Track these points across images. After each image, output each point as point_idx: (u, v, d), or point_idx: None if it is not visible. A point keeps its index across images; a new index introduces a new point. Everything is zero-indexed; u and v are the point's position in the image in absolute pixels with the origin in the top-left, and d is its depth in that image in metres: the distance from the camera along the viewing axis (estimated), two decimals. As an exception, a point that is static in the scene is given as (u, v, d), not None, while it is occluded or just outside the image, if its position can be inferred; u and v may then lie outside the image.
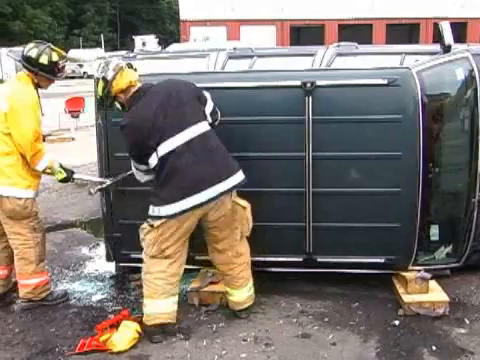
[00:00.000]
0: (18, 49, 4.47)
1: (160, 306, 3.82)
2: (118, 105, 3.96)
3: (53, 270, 5.06)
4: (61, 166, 4.39)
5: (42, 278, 4.35)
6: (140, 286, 4.65)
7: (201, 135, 3.73)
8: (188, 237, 3.86)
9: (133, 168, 4.01)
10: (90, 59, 38.94)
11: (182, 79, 3.95)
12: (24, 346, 3.83)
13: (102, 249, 5.17)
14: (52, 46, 4.28)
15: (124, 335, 3.76)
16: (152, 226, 3.75)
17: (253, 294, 4.13)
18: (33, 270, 4.27)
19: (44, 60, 4.17)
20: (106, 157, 4.49)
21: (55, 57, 4.23)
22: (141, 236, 3.86)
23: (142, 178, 4.01)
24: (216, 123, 3.94)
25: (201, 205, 3.67)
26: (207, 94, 3.92)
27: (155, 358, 3.64)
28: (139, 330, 3.82)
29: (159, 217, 3.71)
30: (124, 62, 3.96)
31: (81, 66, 43.75)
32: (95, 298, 4.57)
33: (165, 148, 3.68)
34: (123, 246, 4.57)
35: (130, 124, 3.81)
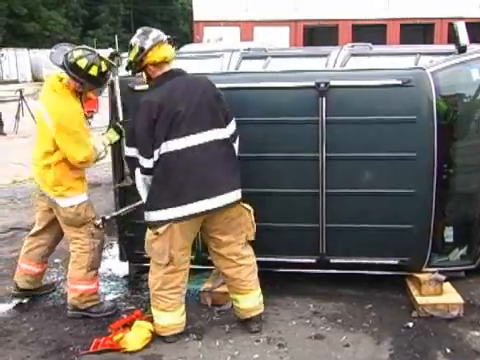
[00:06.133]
0: (60, 50, 4.12)
1: (175, 317, 3.79)
2: (145, 76, 3.81)
3: (67, 269, 5.08)
4: (106, 134, 4.24)
5: (90, 286, 4.21)
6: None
7: (216, 141, 3.64)
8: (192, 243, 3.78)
9: (137, 171, 3.74)
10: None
11: (210, 80, 3.83)
12: (38, 345, 3.86)
13: (115, 249, 5.19)
14: (100, 55, 4.06)
15: (137, 335, 3.77)
16: (157, 233, 3.64)
17: (262, 301, 3.93)
18: (83, 276, 4.16)
19: (94, 71, 3.96)
20: (120, 157, 4.51)
21: (104, 68, 4.04)
22: (148, 246, 3.74)
23: (143, 186, 3.74)
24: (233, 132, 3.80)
25: (207, 212, 3.60)
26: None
27: (168, 358, 3.64)
28: (152, 330, 3.83)
29: (163, 222, 3.60)
30: (165, 36, 3.78)
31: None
32: (108, 298, 4.58)
33: (175, 145, 3.54)
34: (136, 246, 4.58)
35: (149, 101, 3.63)
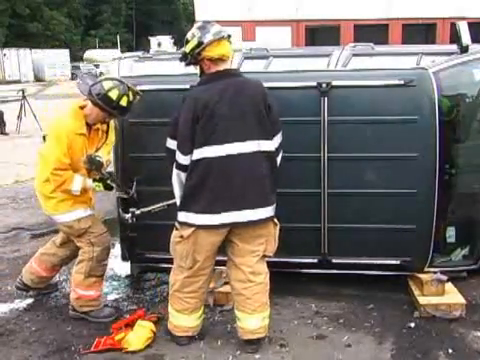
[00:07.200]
0: (86, 68, 4.03)
1: (189, 320, 3.75)
2: (198, 71, 3.66)
3: (69, 270, 5.09)
4: (96, 180, 4.14)
5: (87, 292, 4.16)
6: (155, 286, 4.69)
7: (258, 153, 3.49)
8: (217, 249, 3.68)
9: (175, 167, 3.58)
10: (106, 59, 39.19)
11: (266, 88, 3.67)
12: (40, 344, 3.87)
13: (117, 249, 5.19)
14: (128, 84, 3.97)
15: (139, 335, 3.77)
16: (182, 237, 3.55)
17: (267, 326, 3.72)
18: (81, 281, 4.14)
19: (124, 102, 3.93)
20: (122, 158, 4.51)
21: (132, 97, 3.98)
22: (172, 247, 3.67)
23: (177, 182, 3.59)
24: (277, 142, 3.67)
25: (235, 224, 3.50)
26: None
27: (170, 358, 3.65)
28: (154, 330, 3.84)
29: (189, 225, 3.52)
30: (226, 32, 3.60)
31: (97, 66, 44.05)
32: (110, 297, 4.59)
33: (215, 150, 3.42)
34: (138, 246, 4.59)
35: (196, 97, 3.48)
